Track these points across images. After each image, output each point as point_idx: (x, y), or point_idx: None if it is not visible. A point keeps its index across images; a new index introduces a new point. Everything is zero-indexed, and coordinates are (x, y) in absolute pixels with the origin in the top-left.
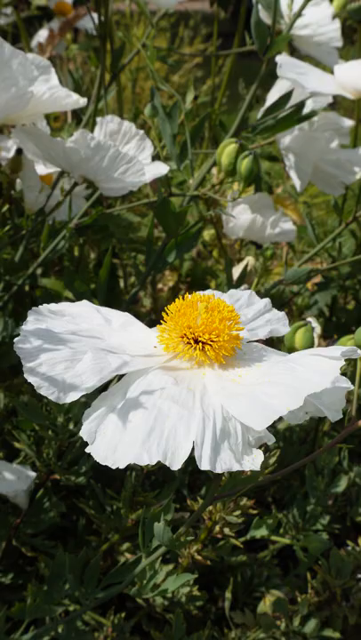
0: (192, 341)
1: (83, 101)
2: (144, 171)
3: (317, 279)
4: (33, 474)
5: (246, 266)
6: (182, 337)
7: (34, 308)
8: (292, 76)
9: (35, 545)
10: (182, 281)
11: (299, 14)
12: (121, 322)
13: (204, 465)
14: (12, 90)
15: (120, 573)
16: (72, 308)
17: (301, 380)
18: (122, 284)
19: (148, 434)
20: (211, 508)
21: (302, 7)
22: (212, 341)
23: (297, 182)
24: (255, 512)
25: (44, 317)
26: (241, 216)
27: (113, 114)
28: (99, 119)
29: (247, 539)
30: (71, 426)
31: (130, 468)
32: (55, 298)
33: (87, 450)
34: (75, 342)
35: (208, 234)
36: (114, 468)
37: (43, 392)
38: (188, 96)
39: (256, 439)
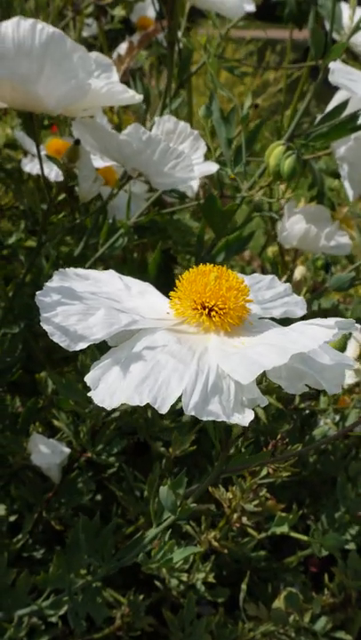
0: (199, 307)
1: (138, 97)
2: (193, 167)
3: None
4: (67, 449)
5: (291, 275)
6: (192, 303)
7: (60, 269)
8: (344, 82)
9: (64, 518)
10: None
11: (358, 27)
12: (140, 289)
13: (190, 410)
14: (72, 82)
15: (134, 545)
16: (96, 274)
17: (291, 341)
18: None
19: (143, 380)
20: (230, 495)
21: (360, 21)
22: (218, 308)
23: (350, 192)
24: (280, 508)
25: (69, 278)
26: (295, 225)
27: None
28: (157, 118)
29: (268, 535)
30: None
31: (159, 455)
32: None
33: (89, 394)
34: (91, 300)
35: (271, 250)
36: (109, 409)
37: (55, 339)
38: (247, 102)
39: (249, 400)
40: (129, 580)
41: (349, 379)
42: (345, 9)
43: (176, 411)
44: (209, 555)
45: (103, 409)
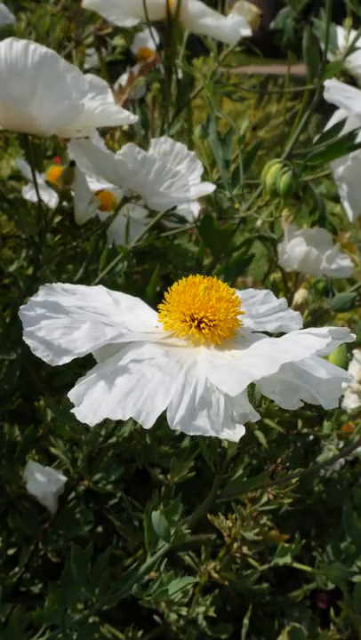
0: (188, 318)
1: (133, 118)
2: (189, 186)
3: None
4: (63, 478)
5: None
6: (181, 315)
7: (47, 284)
8: (339, 99)
9: (62, 550)
10: None
11: (352, 47)
12: (130, 304)
13: (175, 424)
14: (66, 102)
15: (129, 577)
16: (84, 289)
17: (282, 351)
18: None
19: (127, 393)
20: (230, 524)
21: (356, 39)
22: (208, 319)
23: (349, 212)
24: (283, 539)
25: (55, 293)
26: (296, 248)
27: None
28: (153, 140)
29: (271, 566)
30: (103, 432)
31: (159, 482)
32: None
33: (72, 410)
34: (77, 314)
35: (275, 277)
36: (92, 425)
37: (38, 354)
38: (243, 123)
39: (241, 415)
40: (129, 615)
41: (353, 403)
42: (340, 32)
43: (176, 436)
44: (211, 588)
45: (100, 434)
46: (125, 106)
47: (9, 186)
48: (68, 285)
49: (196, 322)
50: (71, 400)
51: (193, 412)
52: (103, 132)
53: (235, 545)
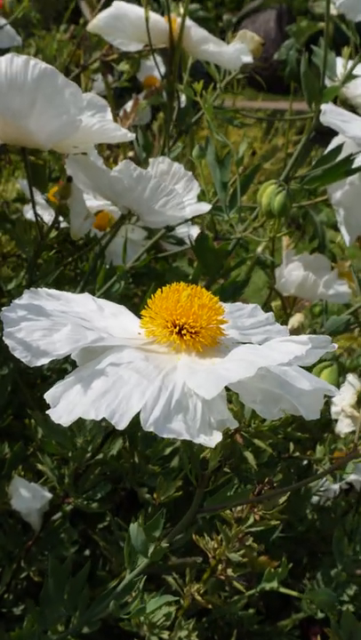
0: (170, 324)
1: (131, 135)
2: (184, 204)
3: None
4: (48, 494)
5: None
6: (162, 321)
7: (32, 288)
8: (336, 122)
9: (44, 571)
10: None
11: (350, 74)
12: (114, 311)
13: (149, 426)
14: (64, 117)
15: (108, 595)
16: (69, 295)
17: (261, 356)
18: None
19: (103, 394)
20: (215, 544)
21: (354, 66)
22: (189, 326)
23: (346, 237)
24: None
25: (39, 297)
26: (293, 272)
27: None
28: (151, 159)
29: (257, 591)
30: (90, 448)
31: (145, 501)
32: None
33: (47, 412)
34: (59, 317)
35: (275, 305)
36: (65, 425)
37: (17, 354)
38: (242, 146)
39: (218, 422)
40: None
41: (347, 427)
42: (340, 61)
43: (165, 456)
44: (198, 615)
45: (87, 451)
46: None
47: (13, 208)
48: (53, 291)
49: (178, 328)
50: (47, 401)
51: (168, 414)
52: (107, 157)
53: (219, 567)
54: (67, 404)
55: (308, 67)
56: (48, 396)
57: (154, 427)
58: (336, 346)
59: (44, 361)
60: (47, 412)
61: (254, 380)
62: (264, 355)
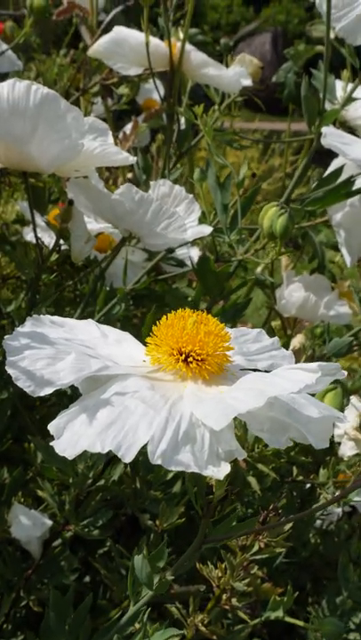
0: (176, 352)
1: (132, 159)
2: (186, 227)
3: None
4: (49, 522)
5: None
6: (168, 349)
7: (35, 315)
8: (336, 145)
9: (44, 600)
10: None
11: (350, 97)
12: (118, 338)
13: (157, 459)
14: (65, 142)
15: (111, 627)
16: (73, 322)
17: (269, 384)
18: None
19: (108, 426)
20: (220, 573)
21: (353, 89)
22: (195, 353)
23: (347, 258)
24: (277, 592)
25: (42, 325)
26: (294, 293)
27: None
28: (152, 182)
29: (262, 620)
30: (91, 474)
31: (147, 528)
32: None
33: (51, 444)
34: (63, 345)
35: (275, 325)
36: (70, 458)
37: (20, 384)
38: (243, 169)
39: (226, 452)
40: None
41: (350, 450)
42: (339, 85)
43: (167, 481)
44: None
45: (88, 477)
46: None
47: (13, 229)
48: (56, 318)
49: (184, 356)
50: (51, 432)
51: (176, 446)
52: (107, 179)
53: (224, 596)
54: (71, 436)
55: (308, 90)
56: (52, 426)
57: (162, 460)
58: (346, 373)
59: (48, 391)
60: (51, 444)
61: (263, 408)
62: (274, 383)
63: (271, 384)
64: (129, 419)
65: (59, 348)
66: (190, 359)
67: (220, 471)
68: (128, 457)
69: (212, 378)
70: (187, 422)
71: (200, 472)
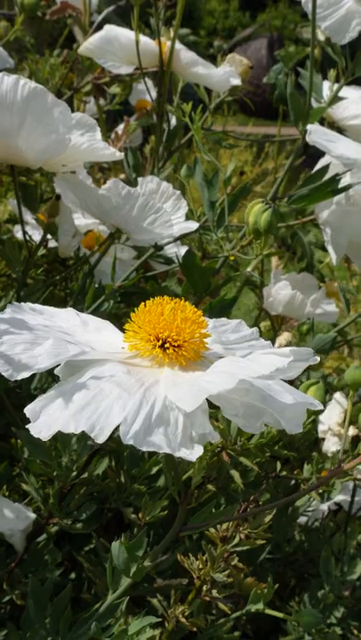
0: (153, 338)
1: (119, 155)
2: (172, 222)
3: None
4: (32, 515)
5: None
6: (146, 335)
7: (15, 303)
8: (321, 142)
9: (26, 593)
10: None
11: (336, 96)
12: (98, 326)
13: (129, 439)
14: (53, 136)
15: (90, 617)
16: (53, 310)
17: (242, 367)
18: None
19: (83, 407)
20: (200, 565)
21: (339, 88)
22: (172, 339)
23: (333, 256)
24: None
25: (22, 312)
26: (281, 291)
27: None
28: (140, 179)
29: (243, 613)
30: (75, 467)
31: (132, 522)
32: None
33: (27, 426)
34: (41, 331)
35: (264, 325)
36: (44, 440)
37: None
38: (230, 166)
39: (200, 436)
40: None
41: (334, 446)
42: (326, 85)
43: (151, 475)
44: (185, 638)
45: (72, 470)
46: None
47: (5, 229)
48: (36, 305)
49: (161, 342)
50: (27, 415)
51: (149, 427)
52: (98, 180)
53: (204, 588)
54: (47, 419)
55: (295, 88)
56: (28, 410)
57: (133, 440)
58: (318, 358)
59: (25, 374)
60: (27, 427)
61: (237, 393)
62: (246, 366)
63: (243, 367)
64: (103, 401)
65: (37, 334)
66: (167, 345)
67: (193, 453)
68: (101, 438)
69: (189, 364)
70: (160, 405)
71: (173, 453)
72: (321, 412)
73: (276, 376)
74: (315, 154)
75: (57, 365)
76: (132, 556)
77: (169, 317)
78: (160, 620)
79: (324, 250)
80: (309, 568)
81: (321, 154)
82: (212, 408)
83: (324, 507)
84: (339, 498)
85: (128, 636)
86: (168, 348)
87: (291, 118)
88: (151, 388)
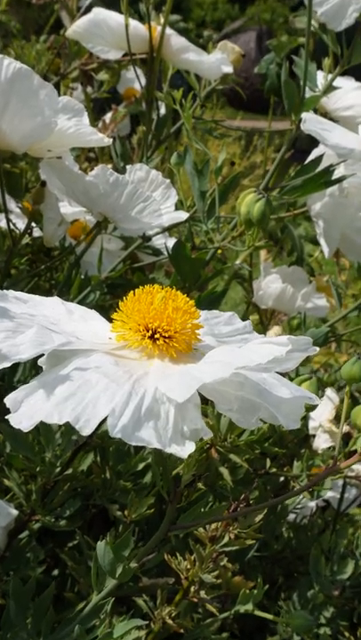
0: (142, 328)
1: (107, 140)
2: (161, 212)
3: None
4: (14, 511)
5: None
6: (135, 325)
7: None
8: (316, 130)
9: (8, 592)
10: None
11: (330, 85)
12: (84, 315)
13: (117, 432)
14: (38, 119)
15: (73, 619)
16: (38, 298)
17: (237, 357)
18: None
19: (67, 398)
20: (188, 565)
21: (335, 76)
22: (163, 330)
23: (326, 249)
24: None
25: (5, 300)
26: (271, 285)
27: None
28: (128, 167)
29: (232, 614)
30: (59, 463)
31: (117, 519)
32: None
33: (7, 417)
34: (24, 320)
35: (252, 319)
36: (25, 430)
37: None
38: (221, 156)
39: (192, 431)
40: None
41: (324, 443)
42: (320, 74)
43: (137, 472)
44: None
45: (55, 465)
46: None
47: None
48: (20, 293)
49: (151, 332)
50: (7, 405)
51: (138, 421)
52: (85, 170)
53: (192, 588)
54: (28, 409)
55: (289, 77)
56: (9, 399)
57: (122, 433)
58: (317, 349)
59: (6, 364)
60: (7, 417)
61: (232, 387)
62: (242, 355)
63: (239, 356)
64: (90, 391)
65: (20, 322)
66: (157, 336)
67: (185, 450)
68: (86, 430)
69: (180, 356)
70: (150, 397)
71: (163, 449)
72: (314, 407)
73: (272, 368)
74: (305, 148)
75: (41, 356)
76: (118, 557)
77: (159, 307)
78: (146, 622)
79: (314, 243)
80: (298, 566)
81: (309, 148)
82: (203, 403)
83: (312, 504)
84: (327, 495)
85: (113, 639)
86: (158, 339)
87: (284, 108)
88: (140, 380)
